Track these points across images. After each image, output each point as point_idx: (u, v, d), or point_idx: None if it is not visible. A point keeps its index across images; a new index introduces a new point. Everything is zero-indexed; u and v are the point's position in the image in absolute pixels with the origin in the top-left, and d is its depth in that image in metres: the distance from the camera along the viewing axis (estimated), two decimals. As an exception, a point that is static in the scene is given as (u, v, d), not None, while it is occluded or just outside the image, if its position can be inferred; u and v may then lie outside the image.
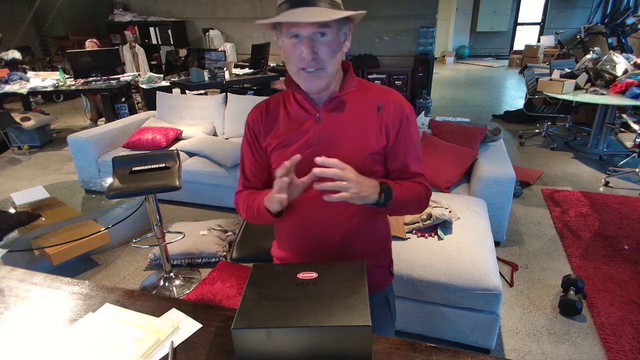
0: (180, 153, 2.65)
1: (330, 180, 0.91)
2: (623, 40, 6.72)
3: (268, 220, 1.07)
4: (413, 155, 1.09)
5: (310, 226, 1.11)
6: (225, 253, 2.78)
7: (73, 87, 5.04)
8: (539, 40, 10.55)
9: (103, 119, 5.44)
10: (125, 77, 5.56)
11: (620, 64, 4.33)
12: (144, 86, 5.47)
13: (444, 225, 2.12)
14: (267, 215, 1.04)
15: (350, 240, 1.11)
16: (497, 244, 2.76)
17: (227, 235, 2.92)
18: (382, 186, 0.99)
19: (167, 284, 2.49)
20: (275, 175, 1.05)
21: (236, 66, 6.06)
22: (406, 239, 2.07)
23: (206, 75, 5.13)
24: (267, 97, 1.17)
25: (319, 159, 0.91)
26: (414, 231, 2.11)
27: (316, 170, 0.92)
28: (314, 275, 0.94)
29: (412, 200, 1.07)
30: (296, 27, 0.94)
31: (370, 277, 1.16)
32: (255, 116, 1.13)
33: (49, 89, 5.05)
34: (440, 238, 2.05)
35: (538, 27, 11.25)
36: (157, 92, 4.23)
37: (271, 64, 6.77)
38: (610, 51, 4.78)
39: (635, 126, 4.31)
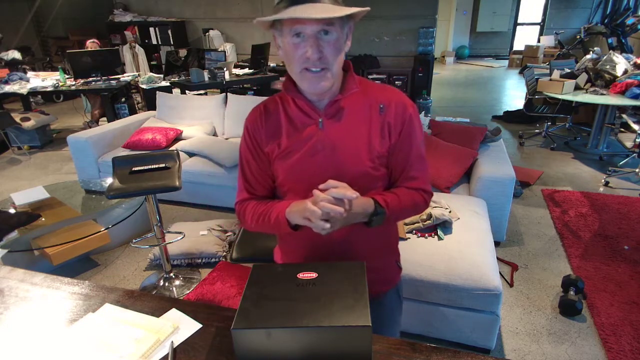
0: (180, 153, 2.65)
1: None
2: (623, 41, 6.72)
3: (282, 231, 1.04)
4: (415, 156, 1.07)
5: (322, 242, 1.06)
6: (225, 253, 2.78)
7: (73, 87, 5.04)
8: (539, 41, 10.55)
9: (104, 118, 5.44)
10: (125, 77, 5.56)
11: (620, 64, 4.33)
12: (144, 86, 5.47)
13: (444, 226, 2.12)
14: (285, 226, 1.02)
15: (363, 243, 1.09)
16: (497, 244, 2.76)
17: (227, 236, 2.92)
18: (376, 210, 0.99)
19: (167, 284, 2.49)
20: (276, 184, 1.08)
21: (236, 66, 6.06)
22: (406, 239, 2.07)
23: (206, 75, 5.13)
24: (263, 100, 1.12)
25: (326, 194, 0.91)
26: (414, 231, 2.11)
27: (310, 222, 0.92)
28: (314, 275, 0.94)
29: (408, 211, 1.07)
30: (300, 24, 0.89)
31: (383, 276, 1.19)
32: (255, 121, 1.08)
33: (49, 89, 5.05)
34: (440, 238, 2.05)
35: (538, 27, 11.25)
36: (157, 92, 4.23)
37: (271, 64, 6.77)
38: (610, 51, 4.79)
39: (635, 126, 4.31)
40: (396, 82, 6.19)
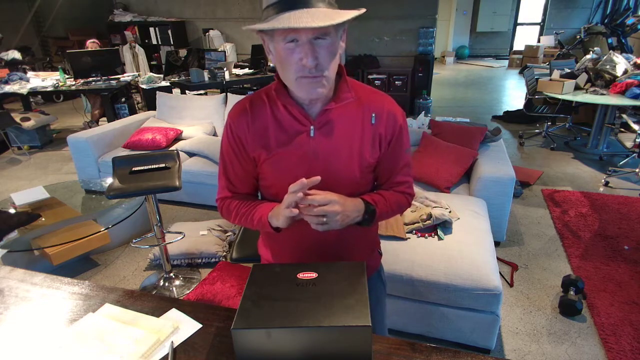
0: (180, 153, 2.65)
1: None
2: (623, 41, 6.72)
3: (267, 231, 1.05)
4: (401, 164, 1.10)
5: (308, 234, 1.06)
6: (225, 253, 2.78)
7: (73, 87, 5.04)
8: (539, 41, 10.55)
9: (104, 118, 5.44)
10: (125, 77, 5.56)
11: (620, 64, 4.33)
12: (144, 86, 5.47)
13: (444, 226, 2.12)
14: (268, 228, 1.02)
15: (348, 242, 1.13)
16: (497, 244, 2.76)
17: (227, 236, 2.92)
18: (367, 208, 1.02)
19: (167, 284, 2.49)
20: (262, 185, 1.09)
21: (236, 66, 6.06)
22: (406, 239, 2.07)
23: (206, 75, 5.13)
24: (247, 95, 1.09)
25: (304, 202, 0.93)
26: (414, 231, 2.11)
27: (305, 216, 0.94)
28: (314, 275, 0.94)
29: (393, 211, 1.11)
30: (294, 32, 0.85)
31: (368, 264, 1.20)
32: (239, 121, 1.04)
33: (49, 89, 5.05)
34: (440, 238, 2.05)
35: (538, 27, 11.26)
36: (157, 92, 4.23)
37: (271, 64, 6.76)
38: (610, 51, 4.79)
39: (635, 126, 4.32)
40: (396, 82, 6.18)
